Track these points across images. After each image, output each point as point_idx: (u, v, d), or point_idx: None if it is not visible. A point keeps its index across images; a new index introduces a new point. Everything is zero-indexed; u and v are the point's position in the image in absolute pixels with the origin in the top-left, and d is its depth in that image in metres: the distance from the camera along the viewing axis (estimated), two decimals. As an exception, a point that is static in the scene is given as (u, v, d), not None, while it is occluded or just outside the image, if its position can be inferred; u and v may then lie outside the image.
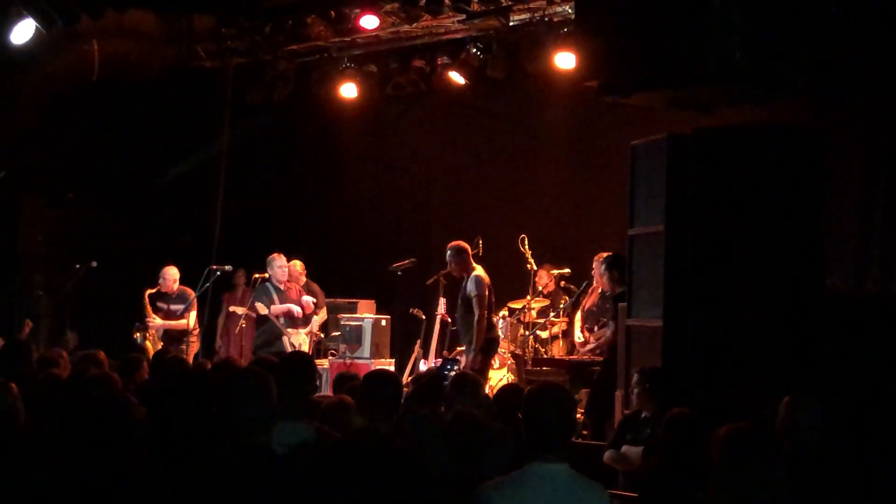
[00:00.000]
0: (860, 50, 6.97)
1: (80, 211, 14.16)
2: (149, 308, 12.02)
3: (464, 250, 10.83)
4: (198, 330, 12.48)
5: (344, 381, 7.16)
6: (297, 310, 11.88)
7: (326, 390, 11.21)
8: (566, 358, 11.07)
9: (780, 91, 6.96)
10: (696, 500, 3.93)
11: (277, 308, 11.78)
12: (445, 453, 5.10)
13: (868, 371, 7.54)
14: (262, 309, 11.77)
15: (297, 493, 3.95)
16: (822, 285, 7.91)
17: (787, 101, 7.42)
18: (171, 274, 12.18)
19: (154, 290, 12.13)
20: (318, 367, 11.91)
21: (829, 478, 5.27)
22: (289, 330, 11.67)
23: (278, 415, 4.76)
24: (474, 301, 10.60)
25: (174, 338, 11.92)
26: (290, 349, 11.30)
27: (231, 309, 12.54)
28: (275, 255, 12.01)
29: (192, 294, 12.07)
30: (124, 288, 12.73)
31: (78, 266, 12.57)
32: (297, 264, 12.60)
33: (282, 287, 11.90)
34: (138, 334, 11.93)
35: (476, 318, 10.60)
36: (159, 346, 11.53)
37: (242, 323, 12.20)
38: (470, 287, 10.65)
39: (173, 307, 12.07)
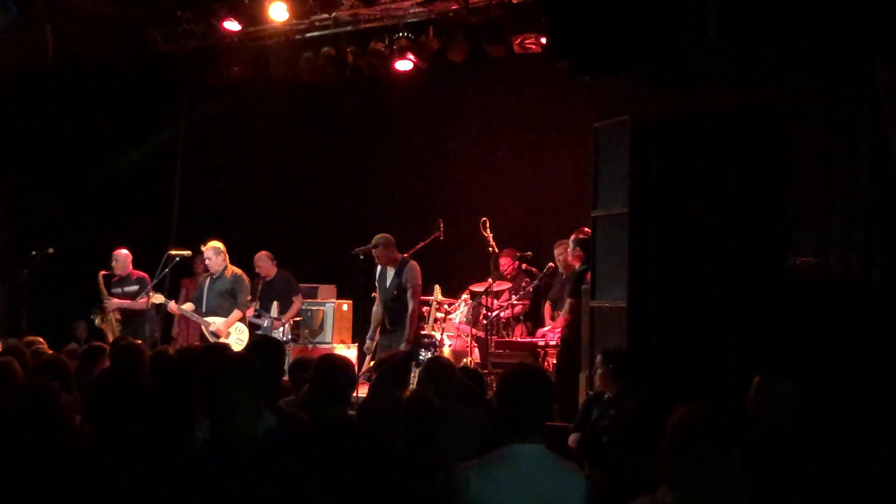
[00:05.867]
0: (832, 29, 6.96)
1: (35, 196, 13.98)
2: (104, 289, 11.87)
3: (392, 241, 10.85)
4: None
5: (300, 367, 7.05)
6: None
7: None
8: (529, 340, 11.09)
9: (754, 70, 6.95)
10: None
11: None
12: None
13: (830, 348, 7.60)
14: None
15: (272, 476, 3.92)
16: (785, 264, 7.95)
17: (755, 82, 7.43)
18: (123, 256, 12.04)
19: (107, 273, 11.99)
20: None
21: (799, 459, 5.28)
22: (206, 320, 11.55)
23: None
24: (413, 290, 10.70)
25: (132, 318, 11.77)
26: (211, 339, 11.26)
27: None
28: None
29: (146, 277, 11.95)
30: (81, 275, 12.56)
31: (34, 253, 12.40)
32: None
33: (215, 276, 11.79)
34: (97, 317, 11.79)
35: (410, 309, 10.72)
36: (117, 330, 11.41)
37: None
38: (408, 276, 10.69)
39: (128, 289, 11.94)
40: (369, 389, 7.15)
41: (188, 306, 11.79)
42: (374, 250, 10.77)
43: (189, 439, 4.40)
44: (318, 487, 4.02)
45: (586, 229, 10.04)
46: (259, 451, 3.83)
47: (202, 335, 11.86)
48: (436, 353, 10.17)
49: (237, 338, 11.37)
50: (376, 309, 11.01)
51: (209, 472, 3.74)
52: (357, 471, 4.25)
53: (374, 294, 11.06)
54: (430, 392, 5.64)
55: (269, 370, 5.25)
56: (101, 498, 4.35)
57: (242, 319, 11.64)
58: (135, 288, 11.90)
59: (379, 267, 10.91)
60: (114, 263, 11.99)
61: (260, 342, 5.98)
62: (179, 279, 12.61)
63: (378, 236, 10.82)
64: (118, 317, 11.81)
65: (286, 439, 4.42)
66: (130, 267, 12.07)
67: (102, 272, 11.93)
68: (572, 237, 10.16)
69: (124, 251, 12.08)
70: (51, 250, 12.39)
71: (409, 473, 4.57)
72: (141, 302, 11.81)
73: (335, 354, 6.19)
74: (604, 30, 6.88)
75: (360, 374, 10.16)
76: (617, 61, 7.00)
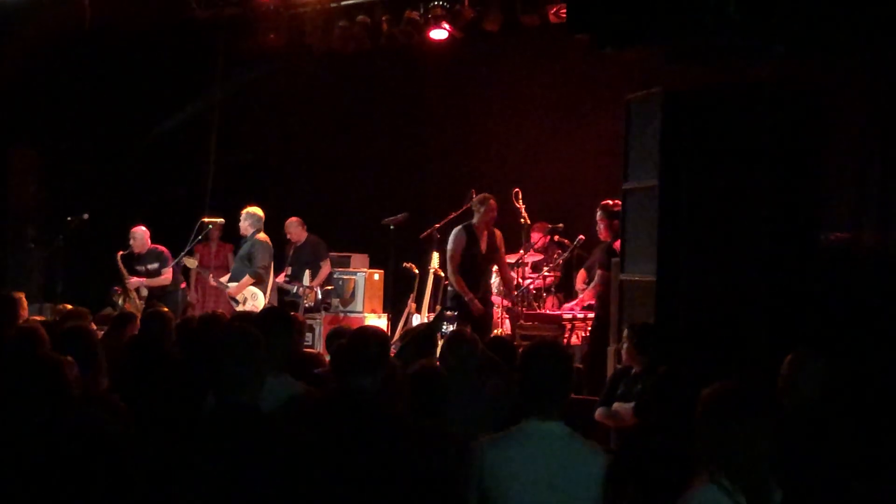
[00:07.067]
0: (856, 4, 6.85)
1: (71, 163, 14.06)
2: (123, 269, 11.94)
3: None
4: (184, 285, 12.45)
5: (337, 337, 7.09)
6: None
7: (319, 344, 11.23)
8: (556, 313, 11.05)
9: (775, 45, 6.87)
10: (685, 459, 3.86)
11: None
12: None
13: (863, 324, 7.52)
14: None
15: (282, 449, 3.92)
16: (818, 239, 7.87)
17: (783, 56, 7.32)
18: (141, 233, 12.07)
19: (126, 252, 12.04)
20: (311, 321, 11.94)
21: (830, 435, 5.23)
22: (228, 286, 11.77)
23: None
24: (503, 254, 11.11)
25: (157, 296, 11.82)
26: (233, 305, 11.52)
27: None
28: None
29: (165, 251, 12.00)
30: (116, 241, 12.64)
31: (69, 219, 12.49)
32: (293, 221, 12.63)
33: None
34: (119, 298, 11.85)
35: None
36: (140, 308, 11.46)
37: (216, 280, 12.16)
38: (501, 242, 11.05)
39: (150, 267, 11.99)
40: (394, 360, 7.15)
41: (226, 279, 11.89)
42: (487, 206, 10.79)
43: (200, 409, 4.41)
44: (323, 457, 4.02)
45: (610, 201, 9.97)
46: (260, 423, 3.84)
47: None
48: (459, 326, 10.13)
49: (252, 304, 11.43)
50: (462, 277, 10.74)
51: (208, 442, 3.76)
52: (368, 442, 4.24)
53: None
54: (435, 361, 5.63)
55: (282, 341, 5.25)
56: (116, 463, 4.37)
57: (258, 284, 11.68)
58: (156, 265, 11.97)
59: (462, 231, 10.83)
60: (132, 242, 12.03)
61: (269, 313, 5.95)
62: (194, 245, 12.64)
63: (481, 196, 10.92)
64: (143, 294, 11.88)
65: (301, 409, 4.44)
66: (149, 243, 12.09)
67: (120, 252, 11.98)
68: (598, 210, 10.10)
69: (142, 228, 12.11)
70: (86, 216, 12.47)
71: (421, 446, 4.56)
72: (162, 278, 11.88)
73: (372, 326, 6.21)
74: (624, 3, 6.81)
75: (393, 343, 10.17)
76: (638, 35, 6.94)
